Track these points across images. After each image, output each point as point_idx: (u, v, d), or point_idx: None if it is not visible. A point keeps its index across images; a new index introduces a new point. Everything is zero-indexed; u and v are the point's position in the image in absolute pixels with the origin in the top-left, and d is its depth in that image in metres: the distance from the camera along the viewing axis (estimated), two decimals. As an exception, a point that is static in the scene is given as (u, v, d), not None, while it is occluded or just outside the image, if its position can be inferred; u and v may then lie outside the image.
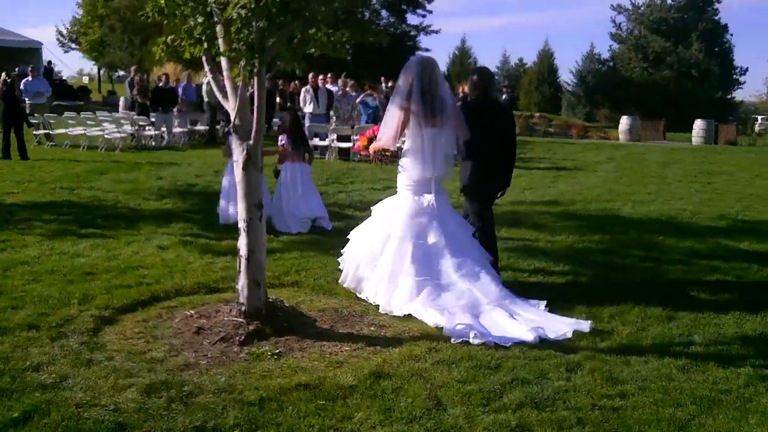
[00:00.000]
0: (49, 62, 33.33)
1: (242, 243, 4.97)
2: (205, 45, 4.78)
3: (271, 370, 4.39)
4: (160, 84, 19.44)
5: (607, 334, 5.17)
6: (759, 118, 41.22)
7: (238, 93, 4.88)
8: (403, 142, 6.12)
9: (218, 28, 4.67)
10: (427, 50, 54.03)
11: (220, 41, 4.78)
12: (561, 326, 5.24)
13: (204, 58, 5.11)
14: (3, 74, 15.38)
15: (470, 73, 6.72)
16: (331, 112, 17.46)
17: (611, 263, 7.28)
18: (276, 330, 4.96)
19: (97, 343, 4.73)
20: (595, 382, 4.28)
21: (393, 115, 6.04)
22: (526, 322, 5.32)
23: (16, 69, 31.49)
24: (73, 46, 46.46)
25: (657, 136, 30.73)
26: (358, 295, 5.96)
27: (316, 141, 16.89)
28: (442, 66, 52.39)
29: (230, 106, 4.95)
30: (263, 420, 3.67)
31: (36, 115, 17.63)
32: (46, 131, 18.01)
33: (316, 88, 16.94)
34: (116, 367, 4.26)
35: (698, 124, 27.89)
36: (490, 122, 6.25)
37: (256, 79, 4.72)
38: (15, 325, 4.92)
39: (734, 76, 47.04)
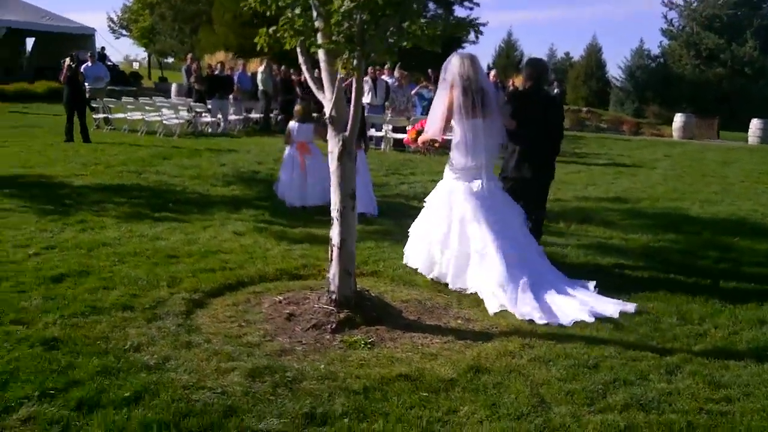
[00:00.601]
0: (102, 48, 33.77)
1: (334, 232, 4.97)
2: (312, 38, 4.75)
3: (367, 359, 4.38)
4: (216, 72, 19.54)
5: (701, 336, 5.06)
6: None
7: (336, 85, 4.85)
8: (450, 133, 6.37)
9: (318, 20, 4.63)
10: (474, 43, 53.80)
11: (319, 34, 4.76)
12: (609, 306, 5.55)
13: (299, 50, 5.09)
14: (68, 59, 15.61)
15: (524, 65, 6.98)
16: (387, 104, 17.42)
17: (690, 264, 7.11)
18: (366, 319, 4.96)
19: (192, 325, 4.77)
20: (698, 385, 4.18)
21: (437, 108, 6.33)
22: (581, 302, 5.61)
23: (71, 54, 32.16)
24: (124, 32, 47.10)
25: (711, 134, 30.07)
26: (427, 276, 6.18)
27: (373, 132, 16.89)
28: (489, 59, 52.09)
29: (326, 97, 4.94)
30: (370, 409, 3.66)
31: (95, 99, 17.88)
32: (105, 115, 18.29)
33: (374, 80, 16.91)
34: (216, 350, 4.30)
35: (755, 124, 27.25)
36: (541, 114, 6.47)
37: (355, 71, 4.68)
38: (110, 305, 4.99)
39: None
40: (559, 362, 4.42)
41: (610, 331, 5.06)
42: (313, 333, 4.77)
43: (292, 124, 9.46)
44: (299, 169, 9.18)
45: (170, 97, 26.46)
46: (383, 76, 17.68)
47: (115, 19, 47.18)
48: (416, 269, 6.34)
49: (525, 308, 5.38)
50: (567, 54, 61.77)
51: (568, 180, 12.95)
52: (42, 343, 4.25)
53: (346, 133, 4.86)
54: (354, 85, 4.82)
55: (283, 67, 21.95)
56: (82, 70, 18.65)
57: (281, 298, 5.36)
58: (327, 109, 4.93)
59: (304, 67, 5.23)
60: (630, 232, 8.41)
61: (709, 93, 40.99)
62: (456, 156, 6.27)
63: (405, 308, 5.41)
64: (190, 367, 4.04)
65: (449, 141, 6.44)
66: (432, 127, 6.43)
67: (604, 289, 5.89)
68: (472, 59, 6.17)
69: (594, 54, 56.19)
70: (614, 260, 7.03)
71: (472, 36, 47.64)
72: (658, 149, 21.27)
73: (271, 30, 4.72)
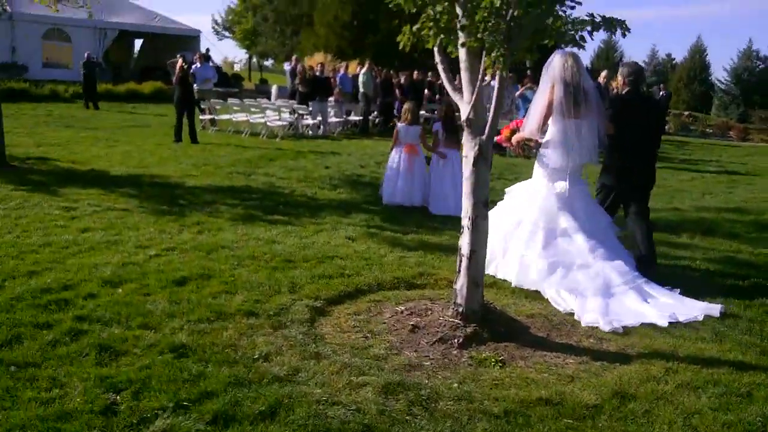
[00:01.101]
0: (207, 50, 34.73)
1: (465, 241, 4.78)
2: (454, 36, 4.59)
3: (501, 378, 4.17)
4: (317, 73, 19.69)
5: None
6: None
7: (477, 86, 4.66)
8: (545, 133, 6.35)
9: (463, 17, 4.45)
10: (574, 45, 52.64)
11: (461, 33, 4.58)
12: (692, 310, 5.43)
13: (435, 50, 4.94)
14: (180, 60, 16.03)
15: (621, 68, 6.90)
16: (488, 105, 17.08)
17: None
18: (493, 335, 4.75)
19: (317, 334, 4.68)
20: None
21: (537, 106, 6.36)
22: (660, 306, 5.52)
23: (182, 55, 33.23)
24: (227, 34, 48.38)
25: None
26: (488, 272, 5.93)
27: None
28: (587, 60, 50.82)
29: (465, 99, 4.75)
30: (513, 435, 3.46)
31: (203, 100, 18.31)
32: (212, 116, 18.71)
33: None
34: (345, 362, 4.18)
35: None
36: (643, 117, 6.50)
37: (503, 71, 4.48)
38: (235, 310, 4.96)
39: None
40: (708, 389, 4.09)
41: (757, 356, 4.67)
42: (440, 347, 4.60)
43: (401, 125, 9.65)
44: (407, 170, 9.37)
45: (270, 99, 26.97)
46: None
47: (220, 21, 48.52)
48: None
49: (591, 314, 5.32)
50: (669, 55, 59.77)
51: (683, 188, 12.37)
52: (171, 349, 4.24)
53: (484, 137, 4.66)
54: (496, 87, 4.62)
55: (384, 70, 21.96)
56: (191, 71, 19.24)
57: (403, 308, 5.21)
58: (464, 112, 4.74)
59: (440, 67, 5.07)
60: (759, 246, 7.88)
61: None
62: (550, 155, 6.27)
63: (532, 324, 5.17)
64: (321, 380, 3.93)
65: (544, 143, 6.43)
66: (529, 125, 6.44)
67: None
68: (575, 58, 6.15)
69: (698, 55, 54.13)
70: (751, 277, 6.54)
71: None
72: (766, 156, 20.19)
73: (414, 28, 4.56)
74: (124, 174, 10.69)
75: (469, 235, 4.76)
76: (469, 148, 4.73)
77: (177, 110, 15.52)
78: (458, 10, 4.59)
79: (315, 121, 19.08)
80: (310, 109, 18.87)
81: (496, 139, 16.44)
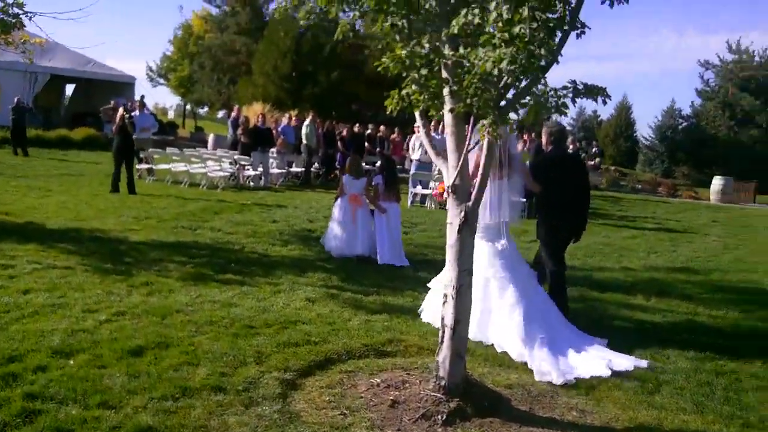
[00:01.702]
0: (142, 96, 33.96)
1: (449, 311, 4.59)
2: (447, 101, 4.46)
3: (492, 459, 3.95)
4: (259, 124, 19.43)
5: None
6: None
7: (463, 151, 4.53)
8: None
9: (451, 83, 4.32)
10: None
11: (448, 97, 4.46)
12: (624, 361, 5.76)
13: (417, 114, 4.81)
14: (121, 108, 15.58)
15: (544, 127, 7.39)
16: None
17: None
18: (477, 409, 4.54)
19: (292, 412, 4.38)
20: None
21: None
22: (595, 357, 5.82)
23: (124, 104, 32.46)
24: (161, 81, 47.68)
25: (747, 198, 29.54)
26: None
27: (419, 189, 16.62)
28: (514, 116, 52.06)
29: (450, 164, 4.61)
30: None
31: (142, 149, 17.79)
32: (150, 166, 18.18)
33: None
34: (328, 445, 3.89)
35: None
36: (564, 175, 6.91)
37: (487, 137, 4.36)
38: (200, 385, 4.62)
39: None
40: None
41: (740, 429, 4.59)
42: (424, 424, 4.36)
43: (346, 177, 9.83)
44: (350, 221, 9.54)
45: (207, 148, 26.50)
46: (433, 133, 17.44)
47: (154, 67, 47.76)
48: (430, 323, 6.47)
49: (544, 367, 5.52)
50: (594, 112, 61.63)
51: (628, 246, 12.53)
52: (136, 432, 3.88)
53: (470, 204, 4.51)
54: (484, 153, 4.49)
55: (327, 122, 21.89)
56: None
57: (378, 380, 4.96)
58: (449, 177, 4.59)
59: (422, 131, 4.96)
60: (714, 308, 7.98)
61: (743, 155, 40.53)
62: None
63: (512, 396, 4.98)
64: (306, 466, 3.63)
65: None
66: None
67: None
68: None
69: (624, 113, 56.06)
70: (716, 341, 6.54)
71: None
72: (701, 213, 20.83)
73: (404, 92, 4.40)
74: (62, 227, 10.14)
75: (453, 305, 4.57)
76: (454, 215, 4.58)
77: (115, 160, 14.99)
78: (444, 75, 4.48)
79: (256, 172, 18.76)
80: (252, 159, 18.56)
81: (432, 193, 16.36)
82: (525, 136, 18.99)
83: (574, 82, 4.57)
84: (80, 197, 13.59)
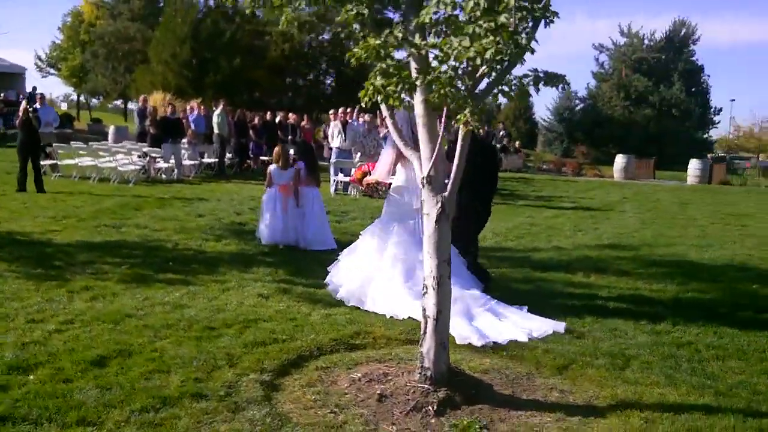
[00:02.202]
0: (34, 88, 32.19)
1: (430, 302, 4.54)
2: (418, 91, 4.36)
3: (493, 448, 3.95)
4: (168, 114, 18.76)
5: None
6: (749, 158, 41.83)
7: (437, 143, 4.46)
8: (393, 177, 7.34)
9: (430, 74, 4.23)
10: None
11: (419, 88, 4.37)
12: (543, 325, 6.13)
13: (383, 105, 4.70)
14: (24, 102, 14.67)
15: None
16: (353, 148, 17.06)
17: (738, 318, 6.91)
18: (465, 398, 4.53)
19: (282, 414, 4.23)
20: None
21: (387, 154, 7.25)
22: (513, 323, 6.18)
23: (27, 96, 30.58)
24: (52, 71, 45.30)
25: (648, 174, 30.95)
26: (361, 308, 6.62)
27: (341, 177, 16.49)
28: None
29: (423, 155, 4.53)
30: None
31: (48, 145, 16.83)
32: (54, 162, 17.24)
33: (344, 124, 16.57)
34: (330, 447, 3.78)
35: (694, 164, 28.21)
36: (480, 161, 7.05)
37: (462, 128, 4.31)
38: (178, 393, 4.39)
39: (710, 115, 48.00)
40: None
41: (715, 397, 4.77)
42: (416, 416, 4.31)
43: (273, 168, 9.80)
44: (282, 210, 9.57)
45: (108, 140, 25.38)
46: (350, 120, 17.35)
47: (43, 57, 45.27)
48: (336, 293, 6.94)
49: (464, 331, 5.84)
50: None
51: (555, 225, 12.87)
52: (127, 449, 3.65)
53: (446, 195, 4.46)
54: (460, 143, 4.44)
55: (238, 110, 21.37)
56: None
57: (359, 375, 4.86)
58: (423, 168, 4.52)
59: (389, 122, 4.85)
60: (652, 282, 8.28)
61: (638, 134, 42.45)
62: (398, 197, 7.15)
63: (491, 380, 4.99)
64: (314, 471, 3.51)
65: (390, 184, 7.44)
66: (379, 170, 7.36)
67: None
68: None
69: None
70: (669, 317, 6.76)
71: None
72: (611, 191, 21.65)
73: (378, 83, 4.26)
74: (-24, 232, 9.48)
75: (434, 296, 4.52)
76: (430, 206, 4.51)
77: (21, 157, 14.10)
78: (414, 66, 4.40)
79: (168, 164, 18.13)
80: (163, 151, 17.91)
81: (349, 179, 16.35)
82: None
83: (535, 70, 4.58)
84: (-15, 198, 12.75)
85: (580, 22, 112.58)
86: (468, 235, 7.34)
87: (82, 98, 48.11)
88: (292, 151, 10.21)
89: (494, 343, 5.72)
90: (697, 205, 18.40)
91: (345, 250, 7.53)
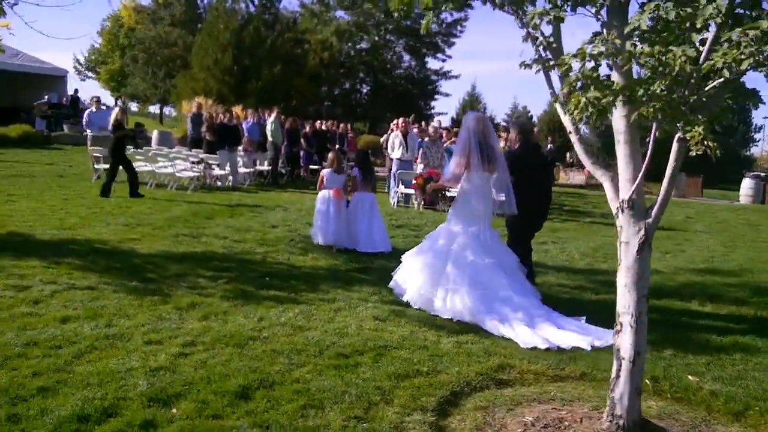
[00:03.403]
0: (76, 90, 32.20)
1: (626, 342, 4.05)
2: (620, 105, 3.89)
3: None
4: (226, 121, 18.43)
5: None
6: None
7: (644, 163, 3.99)
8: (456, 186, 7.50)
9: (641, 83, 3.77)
10: (447, 95, 53.91)
11: (620, 102, 3.90)
12: (604, 335, 6.06)
13: (566, 118, 4.25)
14: (118, 105, 14.59)
15: (511, 125, 8.32)
16: (418, 159, 16.62)
17: None
18: (660, 450, 4.03)
19: (467, 466, 3.76)
20: None
21: (456, 161, 7.24)
22: (573, 332, 6.19)
23: (43, 96, 30.52)
24: (90, 75, 45.39)
25: (695, 192, 30.19)
26: (429, 312, 6.74)
27: (402, 188, 16.03)
28: (454, 111, 51.97)
29: (624, 176, 4.07)
30: None
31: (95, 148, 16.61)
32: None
33: (405, 134, 16.13)
34: None
35: (747, 183, 27.47)
36: (533, 171, 7.48)
37: (677, 144, 3.84)
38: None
39: (751, 133, 47.15)
40: None
41: None
42: (616, 472, 3.82)
43: (326, 171, 10.09)
44: (336, 213, 9.85)
45: (151, 145, 25.16)
46: (414, 130, 16.92)
47: (82, 60, 45.33)
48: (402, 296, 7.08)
49: (527, 338, 5.96)
50: (524, 107, 61.99)
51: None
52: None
53: (650, 221, 3.99)
54: (671, 162, 3.96)
55: (290, 118, 21.03)
56: (86, 116, 17.49)
57: (530, 419, 4.38)
58: (622, 191, 4.04)
59: (574, 138, 4.38)
60: (773, 312, 7.72)
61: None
62: (465, 204, 7.13)
63: (672, 428, 4.49)
64: None
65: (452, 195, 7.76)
66: (449, 176, 7.49)
67: None
68: (486, 120, 7.22)
69: (556, 108, 56.51)
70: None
71: (442, 88, 47.70)
72: (674, 210, 20.94)
73: (591, 95, 3.77)
74: (54, 239, 9.13)
75: (632, 335, 4.04)
76: (631, 234, 4.04)
77: (116, 163, 14.06)
78: (618, 77, 3.93)
79: (224, 171, 17.78)
80: (219, 158, 17.58)
81: (411, 185, 16.08)
82: (502, 134, 18.69)
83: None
84: (50, 202, 12.43)
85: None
86: (526, 243, 7.72)
87: (119, 102, 48.07)
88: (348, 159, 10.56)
89: (558, 347, 5.84)
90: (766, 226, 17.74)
91: (407, 253, 7.56)
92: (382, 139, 20.26)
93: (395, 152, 16.27)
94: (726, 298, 8.36)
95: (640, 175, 4.00)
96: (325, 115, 35.38)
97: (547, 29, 4.23)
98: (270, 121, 19.48)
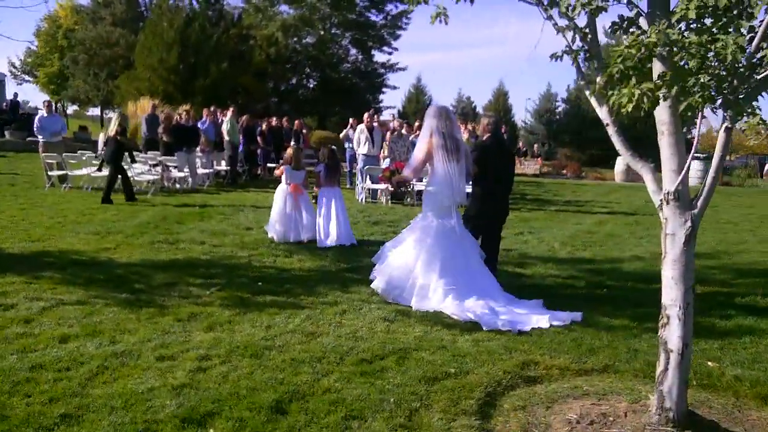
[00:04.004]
0: (15, 95, 30.96)
1: (674, 334, 4.00)
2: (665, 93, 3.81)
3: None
4: (183, 121, 17.94)
5: None
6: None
7: (685, 153, 3.93)
8: (424, 174, 7.65)
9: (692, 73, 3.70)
10: (395, 88, 53.86)
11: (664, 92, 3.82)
12: (562, 316, 6.44)
13: (604, 110, 4.17)
14: (117, 116, 14.45)
15: (481, 116, 8.36)
16: (383, 153, 16.48)
17: None
18: (712, 441, 4.00)
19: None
20: None
21: (419, 152, 7.27)
22: (535, 314, 6.50)
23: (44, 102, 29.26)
24: (26, 78, 43.76)
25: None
26: (390, 301, 6.89)
27: (369, 183, 15.86)
28: (400, 104, 51.93)
29: (669, 167, 4.01)
30: None
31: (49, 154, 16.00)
32: (64, 172, 16.34)
33: (371, 129, 15.96)
34: None
35: (695, 165, 28.05)
36: (499, 161, 7.63)
37: (724, 134, 3.80)
38: (397, 446, 3.79)
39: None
40: None
41: None
42: (674, 467, 3.77)
43: (287, 169, 10.41)
44: (294, 208, 10.22)
45: (97, 149, 24.37)
46: (376, 125, 16.74)
47: (18, 63, 43.62)
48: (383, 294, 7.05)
49: (486, 318, 6.30)
50: (468, 98, 62.35)
51: (614, 233, 12.41)
52: None
53: (696, 212, 3.94)
54: (718, 152, 3.91)
55: (245, 116, 20.62)
56: (37, 121, 16.80)
57: (574, 416, 4.31)
58: (667, 183, 3.99)
59: (612, 129, 4.30)
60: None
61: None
62: (437, 194, 7.14)
63: (711, 416, 4.47)
64: None
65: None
66: (411, 168, 7.45)
67: None
68: (448, 111, 7.28)
69: (502, 98, 57.32)
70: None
71: (389, 81, 47.59)
72: (630, 194, 21.31)
73: (646, 86, 3.68)
74: (25, 251, 8.70)
75: (680, 328, 3.98)
76: (677, 225, 3.98)
77: (111, 168, 13.88)
78: (660, 67, 3.85)
79: (184, 173, 17.32)
80: (178, 160, 17.10)
81: (378, 177, 16.08)
82: (464, 125, 18.68)
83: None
84: (9, 212, 11.92)
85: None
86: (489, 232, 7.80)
87: (59, 106, 46.47)
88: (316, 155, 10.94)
89: (519, 330, 6.09)
90: (737, 208, 18.09)
91: (388, 243, 7.63)
92: (341, 135, 20.05)
93: (361, 147, 16.09)
94: (712, 281, 8.47)
95: (686, 166, 3.94)
96: (273, 111, 34.89)
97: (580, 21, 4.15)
98: (226, 120, 19.04)
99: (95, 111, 46.09)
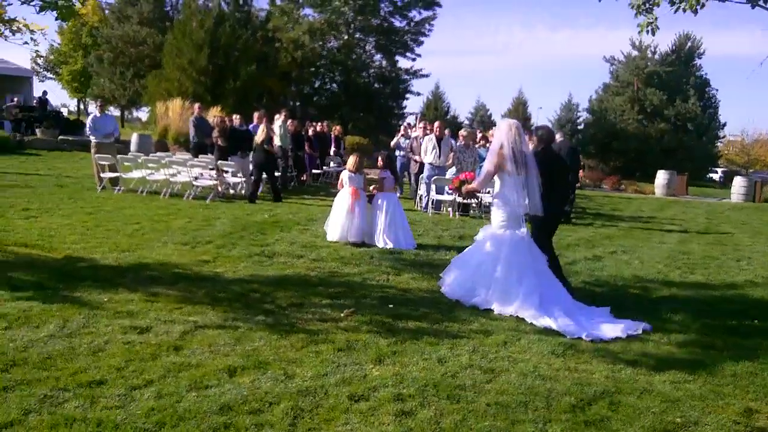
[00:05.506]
0: (44, 92, 30.47)
1: None
2: None
3: None
4: (237, 125, 17.44)
5: None
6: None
7: None
8: (491, 187, 7.83)
9: None
10: (418, 94, 53.36)
11: None
12: (632, 325, 6.62)
13: None
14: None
15: (535, 130, 8.33)
16: (449, 163, 15.95)
17: None
18: None
19: None
20: None
21: (488, 165, 7.45)
22: (607, 323, 6.68)
23: (12, 98, 28.86)
24: (49, 75, 43.30)
25: (681, 190, 30.40)
26: (466, 303, 7.22)
27: (434, 194, 15.33)
28: (419, 109, 51.40)
29: None
30: None
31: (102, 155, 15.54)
32: (118, 174, 15.86)
33: (439, 139, 15.46)
34: None
35: (739, 181, 27.69)
36: (553, 171, 7.75)
37: None
38: None
39: (716, 130, 47.98)
40: None
41: None
42: None
43: (346, 173, 10.84)
44: (348, 211, 10.52)
45: (131, 149, 23.90)
46: (447, 136, 16.24)
47: (40, 61, 43.17)
48: (456, 298, 7.33)
49: (570, 329, 6.43)
50: (484, 106, 61.65)
51: (708, 253, 11.91)
52: None
53: None
54: None
55: (294, 121, 20.11)
56: (89, 121, 16.36)
57: None
58: None
59: None
60: None
61: (653, 148, 42.07)
62: (504, 206, 7.35)
63: None
64: None
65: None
66: (480, 179, 7.72)
67: None
68: (518, 126, 7.35)
69: (521, 107, 56.93)
70: None
71: (413, 87, 47.14)
72: (686, 210, 20.84)
73: None
74: (121, 263, 8.20)
75: None
76: None
77: (256, 171, 15.34)
78: None
79: (239, 179, 16.81)
80: (234, 165, 16.59)
81: (447, 187, 15.55)
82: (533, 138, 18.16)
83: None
84: (76, 218, 11.40)
85: (587, 33, 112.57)
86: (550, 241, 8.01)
87: (80, 105, 46.05)
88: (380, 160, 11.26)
89: (601, 339, 6.26)
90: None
91: (457, 255, 8.02)
92: (392, 142, 19.57)
93: (428, 156, 15.58)
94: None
95: None
96: (298, 115, 34.42)
97: None
98: (278, 124, 18.51)
99: (115, 111, 45.49)
